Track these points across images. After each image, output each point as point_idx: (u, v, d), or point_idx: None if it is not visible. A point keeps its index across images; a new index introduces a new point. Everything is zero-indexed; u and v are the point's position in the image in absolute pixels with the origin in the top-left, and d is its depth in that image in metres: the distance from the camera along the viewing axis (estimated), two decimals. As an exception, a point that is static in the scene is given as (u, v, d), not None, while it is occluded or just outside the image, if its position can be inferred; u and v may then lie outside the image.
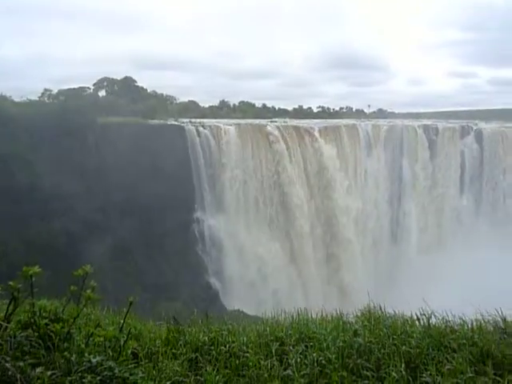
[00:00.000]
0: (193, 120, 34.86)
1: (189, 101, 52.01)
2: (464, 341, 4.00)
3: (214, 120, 37.46)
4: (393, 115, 59.36)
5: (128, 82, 42.30)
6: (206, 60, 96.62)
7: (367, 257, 36.35)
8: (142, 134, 29.57)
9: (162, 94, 45.27)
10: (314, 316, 4.84)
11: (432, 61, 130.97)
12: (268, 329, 4.08)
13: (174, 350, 3.60)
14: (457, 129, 41.62)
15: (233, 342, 3.76)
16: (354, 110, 66.25)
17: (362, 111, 64.48)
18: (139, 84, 43.18)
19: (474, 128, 41.94)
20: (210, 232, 30.76)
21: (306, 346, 3.64)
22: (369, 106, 67.32)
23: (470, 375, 3.25)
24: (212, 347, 3.68)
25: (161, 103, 41.58)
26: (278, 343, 3.75)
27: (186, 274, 27.92)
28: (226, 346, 3.65)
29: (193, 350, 3.64)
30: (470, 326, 4.66)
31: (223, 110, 52.52)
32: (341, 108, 67.83)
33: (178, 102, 48.65)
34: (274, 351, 3.58)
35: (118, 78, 42.88)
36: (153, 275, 26.32)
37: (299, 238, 33.12)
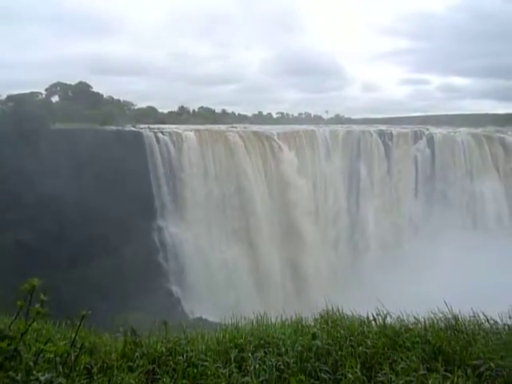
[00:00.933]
0: (151, 126, 34.29)
1: (147, 106, 51.19)
2: (418, 339, 4.15)
3: (173, 126, 37.00)
4: (349, 121, 61.01)
5: (83, 87, 40.94)
6: (164, 65, 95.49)
7: (328, 261, 37.00)
8: (99, 140, 28.71)
9: (119, 100, 44.25)
10: (273, 321, 4.86)
11: (385, 68, 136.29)
12: (227, 336, 4.06)
13: (130, 363, 3.49)
14: (410, 134, 43.33)
15: (191, 350, 3.70)
16: (312, 115, 67.68)
17: (320, 117, 65.99)
18: (95, 89, 41.93)
19: (426, 133, 43.79)
20: (171, 240, 30.25)
21: (265, 352, 3.65)
22: (326, 111, 68.89)
23: (423, 372, 3.36)
24: (170, 357, 3.60)
25: (118, 109, 40.62)
26: (237, 350, 3.73)
27: (147, 282, 27.28)
28: (184, 356, 3.59)
29: (150, 361, 3.55)
30: (423, 324, 4.84)
31: (183, 115, 52.02)
32: (300, 114, 69.14)
33: (135, 107, 47.73)
34: (233, 358, 3.56)
35: (72, 83, 41.44)
36: (112, 285, 25.50)
37: (261, 244, 33.22)
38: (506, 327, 4.79)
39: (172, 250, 30.21)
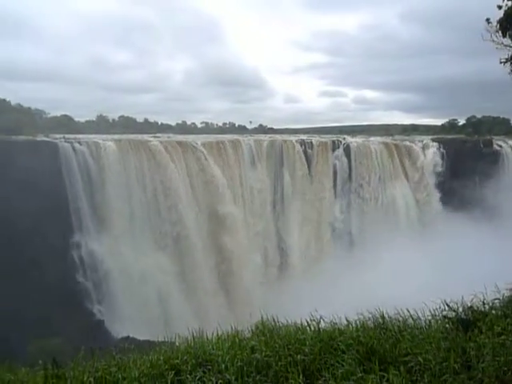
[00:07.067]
0: (67, 136, 32.07)
1: (62, 115, 47.92)
2: (351, 341, 4.25)
3: (91, 136, 35.01)
4: (272, 131, 62.63)
5: (-15, 93, 37.17)
6: (80, 72, 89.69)
7: (257, 270, 37.36)
8: (7, 151, 26.28)
9: (29, 108, 40.78)
10: (209, 336, 4.70)
11: (305, 81, 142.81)
12: (162, 357, 3.81)
13: (53, 400, 3.13)
14: (328, 143, 45.75)
15: (123, 378, 3.41)
16: (236, 125, 68.38)
17: (244, 127, 66.85)
18: (0, 96, 38.30)
19: (343, 142, 46.63)
20: (91, 256, 28.45)
21: (204, 371, 3.48)
22: (250, 122, 70.04)
23: (360, 375, 3.44)
24: (99, 388, 3.29)
25: (28, 117, 37.39)
26: (173, 372, 3.51)
27: (66, 305, 25.29)
28: (115, 385, 3.30)
29: (76, 395, 3.21)
30: (354, 325, 5.00)
31: (101, 125, 49.55)
32: (224, 124, 69.52)
33: (48, 116, 44.40)
34: (169, 382, 3.34)
35: (-28, 90, 37.43)
36: (25, 311, 23.22)
37: (190, 256, 32.55)
38: (428, 322, 5.13)
39: (92, 266, 28.41)
